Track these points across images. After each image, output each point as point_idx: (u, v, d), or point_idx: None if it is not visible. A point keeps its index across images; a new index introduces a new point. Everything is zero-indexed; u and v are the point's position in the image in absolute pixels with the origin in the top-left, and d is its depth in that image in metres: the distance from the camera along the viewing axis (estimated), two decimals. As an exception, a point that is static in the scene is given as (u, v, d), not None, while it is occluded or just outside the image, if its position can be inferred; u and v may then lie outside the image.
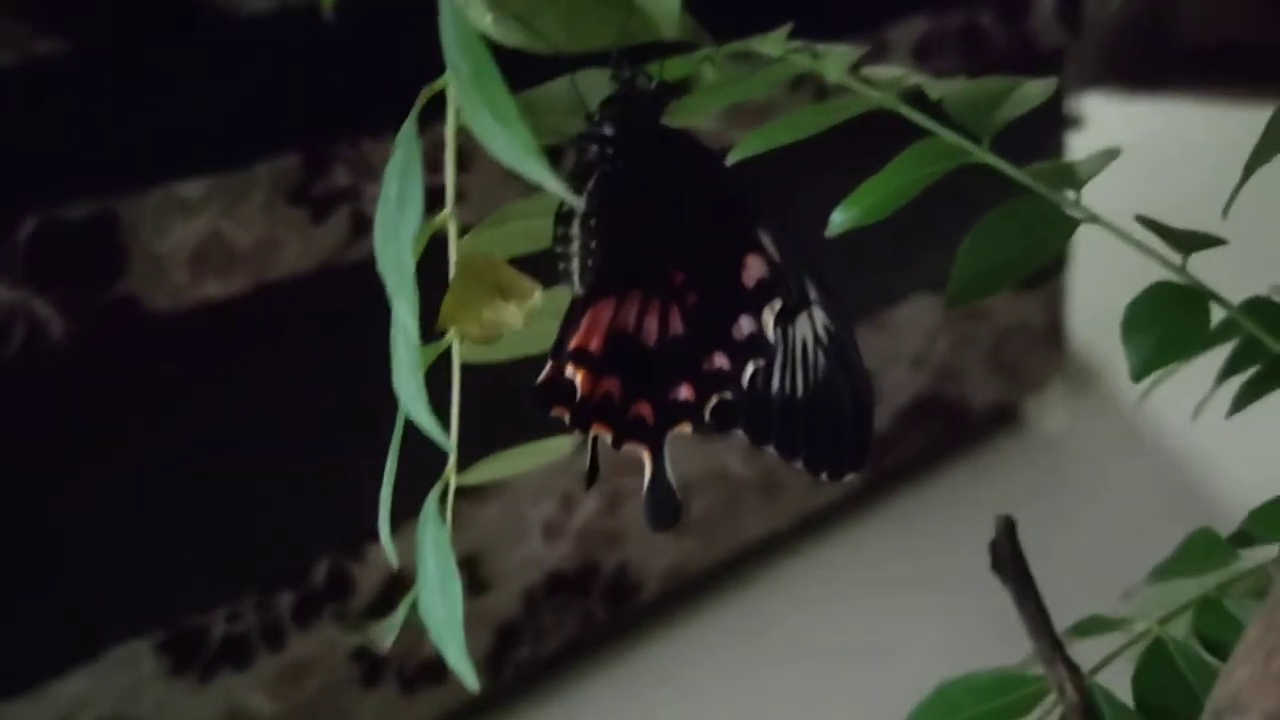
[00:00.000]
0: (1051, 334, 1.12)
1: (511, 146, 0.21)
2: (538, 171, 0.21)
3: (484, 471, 0.32)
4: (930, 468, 1.09)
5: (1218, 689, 0.16)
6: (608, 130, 0.26)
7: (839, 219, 0.33)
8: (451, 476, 0.31)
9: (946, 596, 0.98)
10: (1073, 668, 0.19)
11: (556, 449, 0.32)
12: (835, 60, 0.34)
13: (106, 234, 0.68)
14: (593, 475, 0.26)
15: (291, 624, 0.83)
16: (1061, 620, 0.26)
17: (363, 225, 0.78)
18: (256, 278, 0.76)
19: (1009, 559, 0.19)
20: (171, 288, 0.71)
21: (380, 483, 0.29)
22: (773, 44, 0.35)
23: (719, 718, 0.91)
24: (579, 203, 0.24)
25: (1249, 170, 0.21)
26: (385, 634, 0.32)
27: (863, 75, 0.34)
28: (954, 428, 1.11)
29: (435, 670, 0.89)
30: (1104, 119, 1.66)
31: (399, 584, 0.85)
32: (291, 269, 0.77)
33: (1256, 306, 0.33)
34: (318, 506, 0.83)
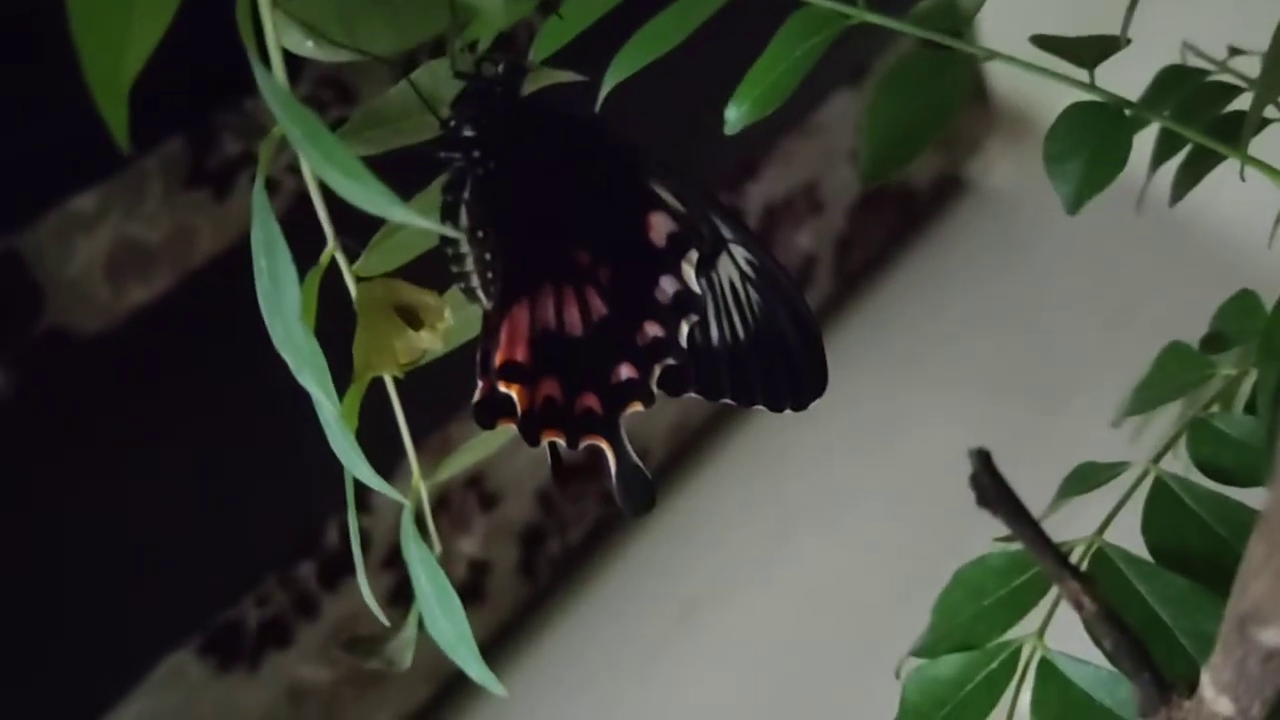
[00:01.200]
0: (976, 92, 1.10)
1: (369, 198, 0.19)
2: (404, 216, 0.19)
3: (451, 466, 0.31)
4: (892, 256, 1.09)
5: (1235, 600, 0.16)
6: (468, 132, 0.24)
7: (734, 115, 0.31)
8: (420, 487, 0.31)
9: (943, 370, 0.99)
10: (1084, 579, 0.19)
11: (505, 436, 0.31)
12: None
13: (12, 273, 0.65)
14: (558, 476, 0.25)
15: (321, 590, 0.83)
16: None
17: (267, 188, 0.76)
18: (179, 270, 0.74)
19: (992, 489, 0.18)
20: (98, 306, 0.69)
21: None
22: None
23: (755, 545, 0.92)
24: (459, 234, 0.23)
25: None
26: (402, 654, 0.32)
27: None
28: (906, 213, 1.10)
29: (472, 592, 0.90)
30: None
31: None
32: (211, 251, 0.75)
33: (1166, 86, 0.32)
34: (313, 472, 0.82)
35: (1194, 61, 0.36)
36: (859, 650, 0.83)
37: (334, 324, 0.27)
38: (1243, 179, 0.26)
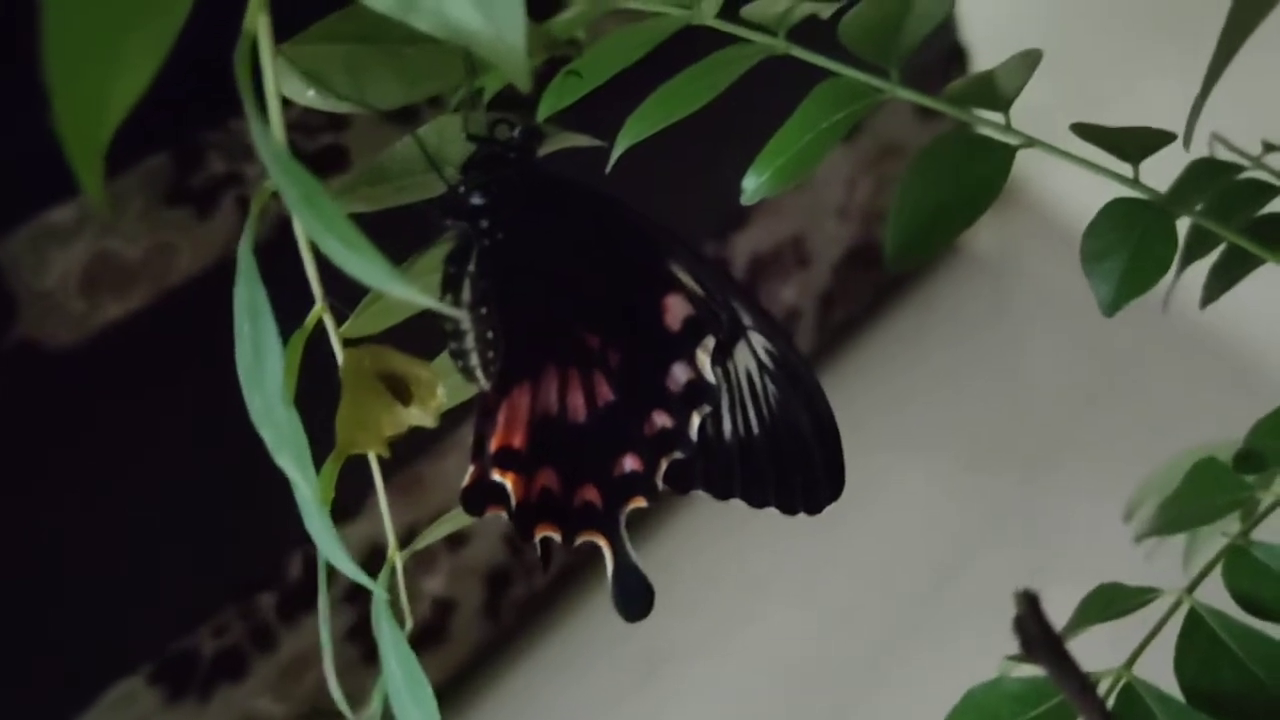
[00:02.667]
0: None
1: (368, 271, 0.18)
2: (405, 293, 0.18)
3: (428, 538, 0.29)
4: (876, 315, 1.08)
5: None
6: (477, 200, 0.22)
7: (752, 185, 0.30)
8: (396, 557, 0.29)
9: (923, 430, 0.97)
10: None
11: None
12: (710, 3, 0.31)
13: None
14: (548, 566, 0.24)
15: (279, 623, 0.81)
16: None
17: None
18: (156, 288, 0.72)
19: (1038, 635, 0.17)
20: (71, 320, 0.67)
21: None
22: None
23: (727, 586, 0.90)
24: (462, 315, 0.21)
25: (1215, 70, 0.18)
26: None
27: (744, 14, 0.31)
28: (891, 272, 1.09)
29: (435, 632, 0.88)
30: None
31: (376, 559, 0.83)
32: (190, 270, 0.73)
33: (1198, 178, 0.30)
34: (276, 501, 0.80)
35: (1224, 154, 0.34)
36: (825, 714, 0.81)
37: (312, 383, 0.26)
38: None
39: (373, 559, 0.83)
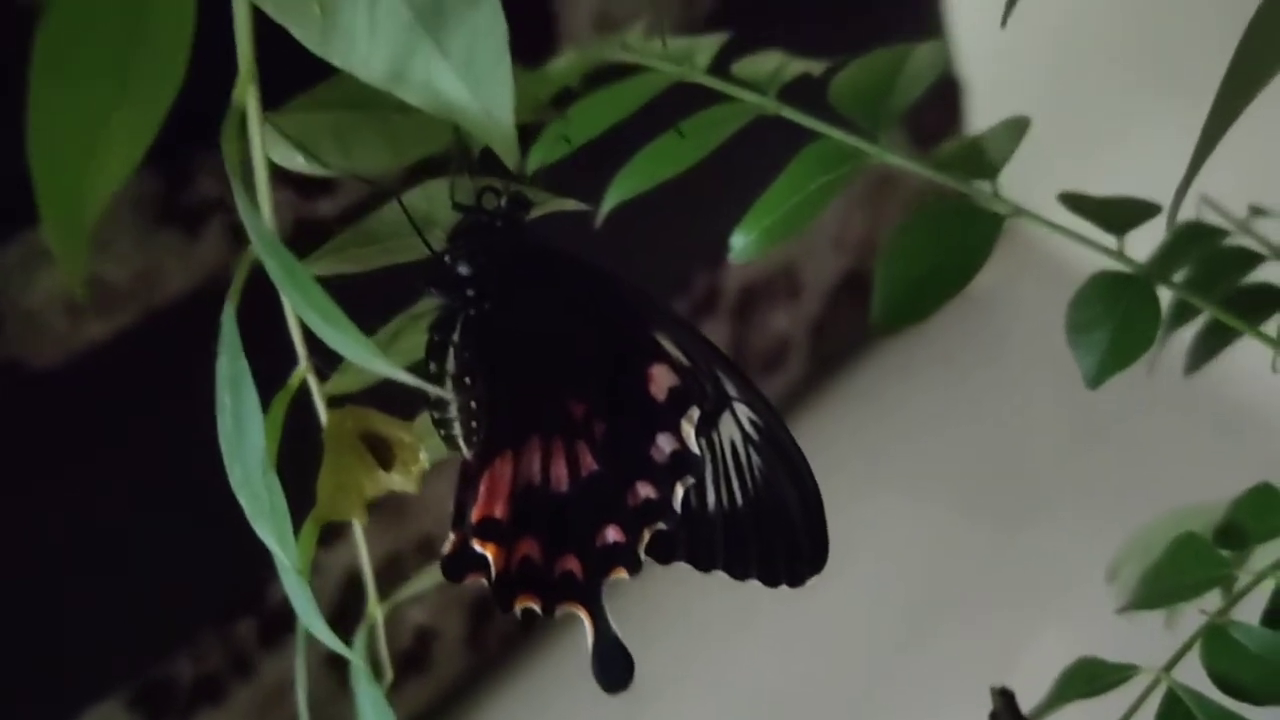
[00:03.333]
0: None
1: (347, 346, 0.18)
2: (384, 369, 0.18)
3: (406, 592, 0.30)
4: (866, 347, 1.08)
5: None
6: (463, 269, 0.22)
7: (740, 244, 0.30)
8: (377, 612, 0.29)
9: (908, 472, 0.97)
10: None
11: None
12: (702, 57, 0.31)
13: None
14: (528, 630, 0.24)
15: (259, 649, 0.81)
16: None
17: (240, 232, 0.73)
18: (142, 308, 0.72)
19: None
20: (54, 339, 0.67)
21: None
22: (632, 49, 0.32)
23: (711, 621, 0.90)
24: (446, 394, 0.21)
25: (1203, 149, 0.18)
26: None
27: (735, 72, 0.31)
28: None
29: (417, 659, 0.88)
30: None
31: (355, 586, 0.83)
32: (178, 291, 0.73)
33: (1184, 244, 0.31)
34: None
35: (1212, 218, 0.35)
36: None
37: (291, 442, 0.26)
38: (1275, 369, 0.25)
39: (350, 588, 0.83)
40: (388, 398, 0.24)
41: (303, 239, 0.78)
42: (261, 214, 0.18)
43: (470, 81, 0.17)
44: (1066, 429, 0.97)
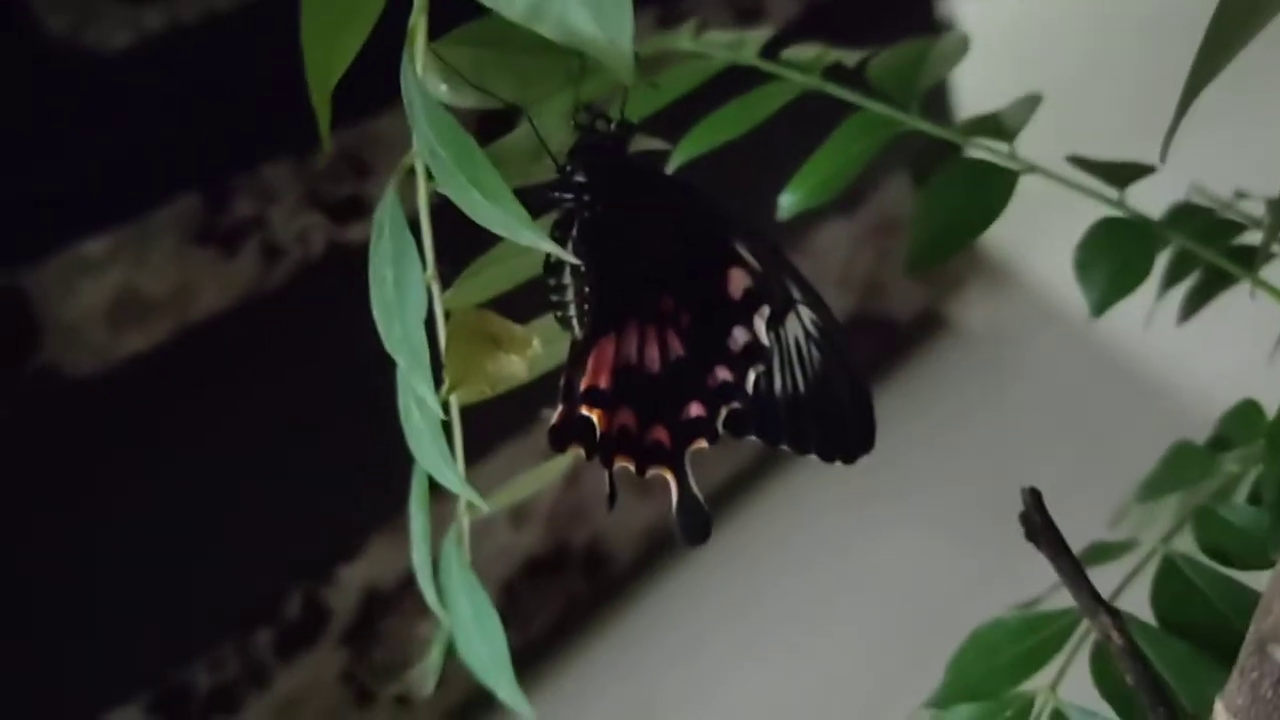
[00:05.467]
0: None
1: (505, 221, 0.22)
2: (533, 240, 0.22)
3: (499, 499, 0.33)
4: (877, 383, 1.12)
5: (1259, 621, 0.18)
6: (581, 178, 0.27)
7: (787, 201, 0.34)
8: (464, 517, 0.32)
9: (909, 504, 1.00)
10: (1115, 614, 0.21)
11: (560, 468, 0.33)
12: (751, 47, 0.35)
13: (14, 309, 0.66)
14: (613, 498, 0.27)
15: (275, 660, 0.83)
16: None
17: (274, 253, 0.77)
18: (178, 323, 0.74)
19: (1041, 527, 0.20)
20: (93, 349, 0.70)
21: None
22: (685, 39, 0.36)
23: (718, 662, 0.92)
24: (572, 258, 0.25)
25: (1185, 101, 0.22)
26: (426, 679, 0.33)
27: (783, 58, 0.35)
28: (885, 342, 1.14)
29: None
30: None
31: (373, 601, 0.86)
32: (212, 308, 0.76)
33: (1180, 216, 0.35)
34: (279, 539, 0.82)
35: (1200, 201, 0.39)
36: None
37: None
38: (1252, 297, 0.29)
39: (370, 602, 0.84)
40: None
41: (335, 263, 0.81)
42: (434, 97, 0.22)
43: (598, 15, 0.21)
44: (1064, 461, 1.00)
